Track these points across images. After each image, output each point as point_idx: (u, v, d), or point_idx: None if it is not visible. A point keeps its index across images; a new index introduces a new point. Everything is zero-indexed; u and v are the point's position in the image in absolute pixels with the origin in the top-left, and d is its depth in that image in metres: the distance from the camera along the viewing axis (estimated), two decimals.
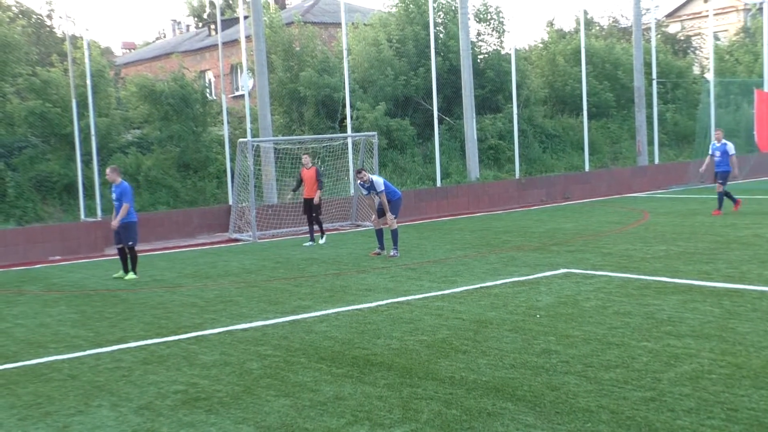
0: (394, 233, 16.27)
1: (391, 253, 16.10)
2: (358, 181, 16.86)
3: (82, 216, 21.54)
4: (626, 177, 29.48)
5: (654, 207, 22.98)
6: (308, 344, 9.25)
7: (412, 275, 13.79)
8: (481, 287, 12.23)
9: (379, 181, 16.44)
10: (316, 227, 19.27)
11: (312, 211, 19.10)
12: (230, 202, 22.75)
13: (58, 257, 19.06)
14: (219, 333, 10.15)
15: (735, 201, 20.17)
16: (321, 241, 19.20)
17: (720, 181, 20.04)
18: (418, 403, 6.94)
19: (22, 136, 23.72)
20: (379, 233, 16.59)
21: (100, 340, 10.13)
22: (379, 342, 9.15)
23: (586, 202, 26.30)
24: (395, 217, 16.36)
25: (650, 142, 31.34)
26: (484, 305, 10.88)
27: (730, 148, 20.21)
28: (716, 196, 20.08)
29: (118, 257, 15.78)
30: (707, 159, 21.16)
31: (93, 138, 21.93)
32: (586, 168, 29.53)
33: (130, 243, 15.25)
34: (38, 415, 7.21)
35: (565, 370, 7.64)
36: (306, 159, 19.32)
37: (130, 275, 15.25)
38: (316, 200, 18.86)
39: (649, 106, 31.22)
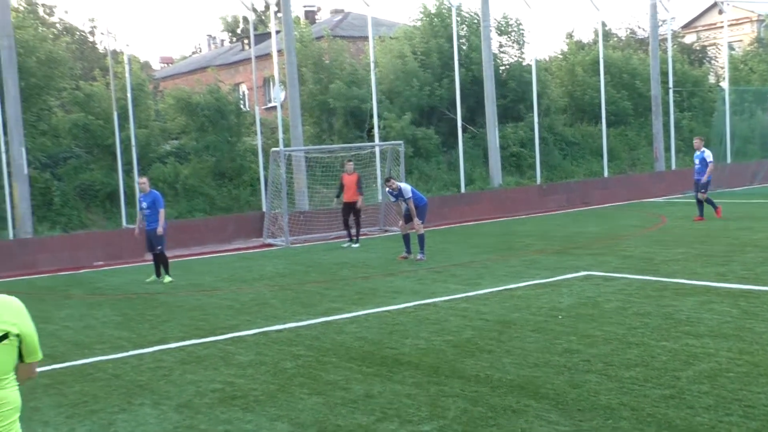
0: (421, 238, 16.26)
1: (418, 257, 16.09)
2: (387, 189, 16.87)
3: (124, 223, 21.74)
4: (644, 182, 29.25)
5: (671, 211, 22.80)
6: (339, 344, 9.28)
7: (438, 278, 13.79)
8: (504, 289, 12.20)
9: (406, 188, 16.46)
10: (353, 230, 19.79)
11: (351, 215, 19.69)
12: (263, 209, 22.85)
13: (101, 262, 19.22)
14: (254, 334, 10.20)
15: (716, 208, 19.63)
16: (345, 245, 19.36)
17: (702, 190, 19.57)
18: (445, 400, 6.94)
19: (67, 147, 23.97)
20: (406, 238, 16.59)
21: (141, 342, 10.22)
22: (407, 342, 9.16)
23: (606, 206, 26.13)
24: (422, 223, 16.36)
25: (667, 149, 31.10)
26: (508, 306, 10.85)
27: (708, 155, 19.75)
28: (706, 203, 19.62)
29: (153, 263, 15.95)
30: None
31: (133, 148, 22.15)
32: (605, 174, 29.36)
33: (159, 248, 15.43)
34: (84, 413, 7.29)
35: (586, 368, 7.61)
36: (349, 165, 19.87)
37: (166, 278, 15.37)
38: (359, 204, 19.50)
39: (666, 114, 31.01)
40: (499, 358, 8.17)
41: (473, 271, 14.24)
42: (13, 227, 20.15)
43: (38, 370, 8.83)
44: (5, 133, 20.25)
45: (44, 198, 21.99)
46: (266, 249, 20.61)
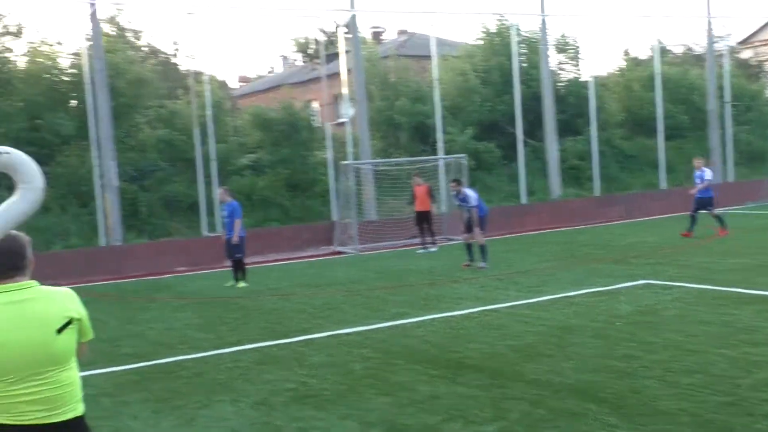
0: (482, 248, 16.12)
1: (480, 265, 15.96)
2: (452, 192, 16.68)
3: (204, 231, 22.07)
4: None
5: (729, 222, 22.17)
6: (406, 348, 9.25)
7: (500, 285, 13.66)
8: (564, 296, 12.02)
9: (472, 196, 16.27)
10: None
11: (424, 222, 20.12)
12: (334, 219, 22.97)
13: (183, 268, 19.54)
14: (326, 336, 10.23)
15: (690, 229, 18.82)
16: (420, 251, 19.47)
17: (708, 209, 19.02)
18: (508, 403, 6.86)
19: (153, 161, 24.46)
20: (469, 247, 16.46)
21: (220, 343, 10.34)
22: (471, 346, 9.08)
23: (664, 217, 25.56)
24: (483, 232, 16.21)
25: (724, 162, 30.33)
26: (568, 313, 10.69)
27: (708, 174, 19.15)
28: (715, 219, 19.05)
29: (230, 268, 16.17)
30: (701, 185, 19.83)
31: (213, 162, 22.50)
32: (662, 186, 28.76)
33: (238, 255, 15.59)
34: (169, 409, 7.40)
35: (646, 374, 7.44)
36: (417, 179, 20.39)
37: (241, 284, 15.55)
38: (434, 211, 20.15)
39: (723, 127, 30.25)
40: (559, 363, 8.04)
41: (535, 279, 14.07)
42: (105, 235, 20.66)
43: (127, 367, 9.03)
44: (98, 149, 20.81)
45: (132, 208, 22.46)
46: (337, 256, 20.70)
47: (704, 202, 19.01)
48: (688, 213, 19.33)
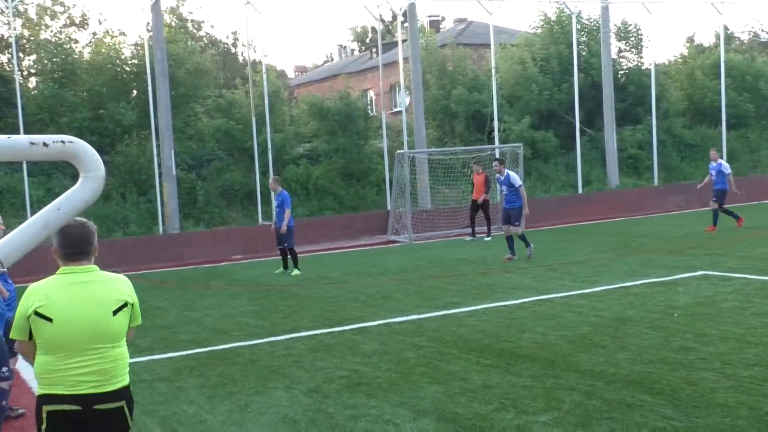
0: (523, 237, 15.81)
1: (528, 253, 15.75)
2: (497, 173, 16.40)
3: (260, 220, 22.33)
4: (765, 184, 27.82)
5: None
6: (458, 337, 9.25)
7: (554, 275, 13.55)
8: (620, 287, 11.87)
9: (516, 177, 15.98)
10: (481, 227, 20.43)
11: (476, 211, 20.30)
12: (388, 208, 23.03)
13: (239, 256, 19.81)
14: (378, 325, 10.28)
15: (737, 218, 18.62)
16: (468, 239, 19.59)
17: (714, 199, 18.70)
18: (560, 393, 6.82)
19: (211, 150, 24.81)
20: (509, 239, 15.93)
21: (275, 330, 10.47)
22: (524, 336, 9.05)
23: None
24: (518, 225, 15.75)
25: None
26: (623, 304, 10.56)
27: (725, 167, 18.79)
28: (723, 213, 18.68)
29: (280, 257, 16.42)
30: (706, 178, 19.57)
31: (269, 151, 22.73)
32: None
33: (287, 244, 15.82)
34: (224, 394, 7.53)
35: (702, 366, 7.32)
36: (477, 167, 20.58)
37: (295, 271, 15.71)
38: (480, 200, 20.07)
39: None
40: (613, 354, 7.96)
41: (589, 269, 13.92)
42: (163, 223, 21.07)
43: (185, 353, 9.20)
44: (157, 137, 21.20)
45: (190, 197, 22.84)
46: (390, 245, 20.75)
47: (722, 194, 18.71)
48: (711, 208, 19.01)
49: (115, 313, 4.07)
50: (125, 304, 4.12)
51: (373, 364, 8.22)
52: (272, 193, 17.39)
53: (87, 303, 4.02)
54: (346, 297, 12.74)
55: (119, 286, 4.16)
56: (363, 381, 7.61)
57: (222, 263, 18.89)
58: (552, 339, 8.80)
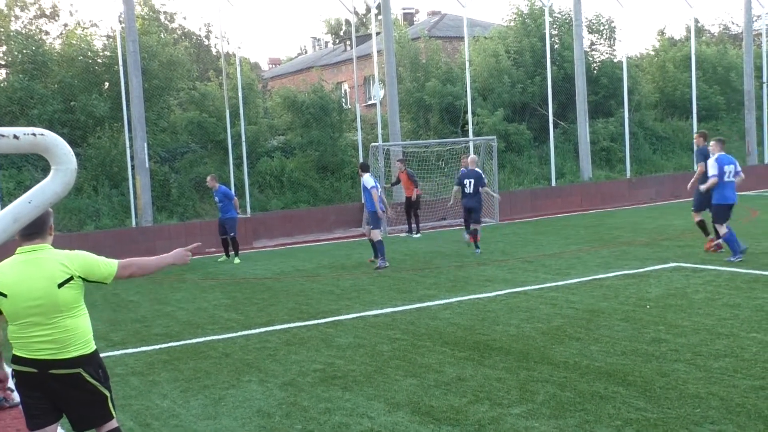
0: (379, 244, 14.91)
1: (377, 264, 14.77)
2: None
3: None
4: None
5: (763, 205, 21.87)
6: (433, 329, 9.26)
7: (528, 267, 13.60)
8: (593, 279, 11.95)
9: (371, 179, 15.18)
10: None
11: (411, 207, 20.73)
12: (363, 200, 22.98)
13: (213, 249, 19.68)
14: (353, 318, 10.28)
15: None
16: (416, 235, 20.08)
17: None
18: (534, 385, 6.84)
19: (184, 142, 24.62)
20: (376, 244, 14.86)
21: (249, 323, 10.43)
22: (498, 328, 9.07)
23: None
24: (380, 230, 15.27)
25: (759, 143, 29.86)
26: (597, 296, 10.63)
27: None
28: None
29: (222, 246, 17.58)
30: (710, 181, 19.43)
31: (243, 144, 22.61)
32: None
33: (232, 234, 17.05)
34: (197, 388, 7.48)
35: (674, 358, 7.38)
36: (400, 164, 21.00)
37: (236, 260, 16.97)
38: (413, 197, 20.43)
39: (759, 108, 29.77)
40: (587, 346, 8.01)
41: (563, 261, 13.99)
42: (136, 216, 20.88)
43: (158, 347, 9.13)
44: (130, 130, 20.99)
45: (163, 189, 22.67)
46: (365, 238, 20.67)
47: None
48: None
49: (60, 285, 4.47)
50: (71, 278, 4.51)
51: (347, 358, 8.20)
52: (211, 190, 17.92)
53: (34, 278, 4.46)
54: (320, 290, 12.71)
55: (65, 262, 4.54)
56: (338, 374, 7.60)
57: (195, 256, 18.71)
58: (526, 331, 8.83)
